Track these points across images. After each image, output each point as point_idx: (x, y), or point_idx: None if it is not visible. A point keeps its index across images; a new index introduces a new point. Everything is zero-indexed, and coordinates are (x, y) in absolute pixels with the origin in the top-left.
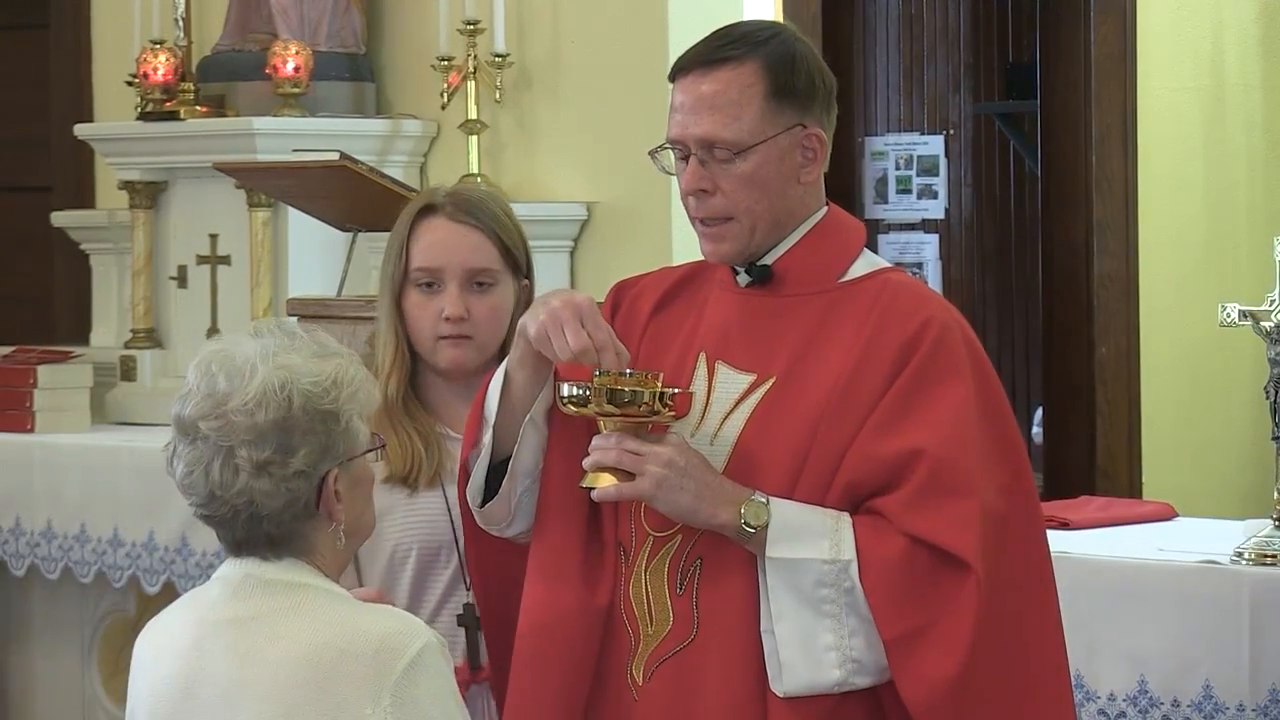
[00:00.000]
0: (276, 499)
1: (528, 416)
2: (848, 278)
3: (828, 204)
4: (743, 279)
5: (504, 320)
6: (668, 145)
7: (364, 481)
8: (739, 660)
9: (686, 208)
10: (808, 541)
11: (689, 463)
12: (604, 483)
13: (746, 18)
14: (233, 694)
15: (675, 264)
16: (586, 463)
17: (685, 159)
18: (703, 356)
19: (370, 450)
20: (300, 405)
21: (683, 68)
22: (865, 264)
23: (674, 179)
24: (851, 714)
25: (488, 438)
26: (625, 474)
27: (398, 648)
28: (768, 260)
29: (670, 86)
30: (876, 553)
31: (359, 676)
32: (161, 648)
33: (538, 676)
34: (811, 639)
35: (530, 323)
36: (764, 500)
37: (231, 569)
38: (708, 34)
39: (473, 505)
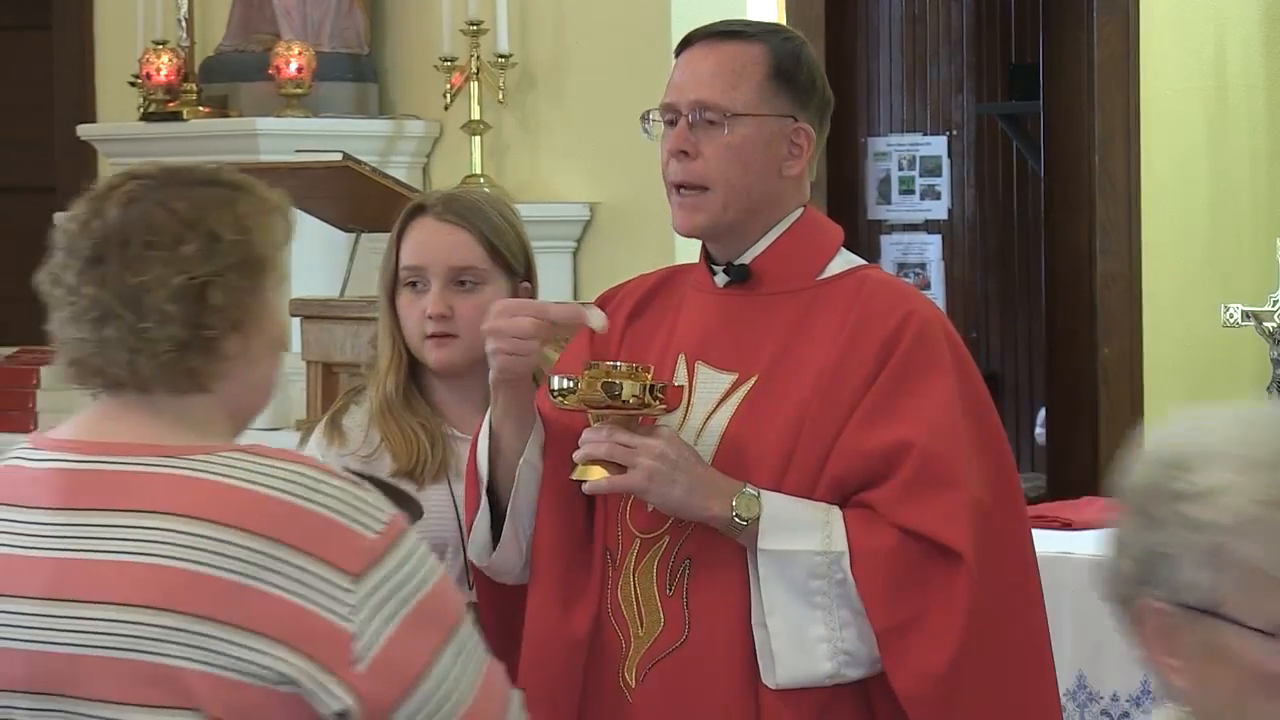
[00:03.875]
0: None
1: (522, 460)
2: (825, 275)
3: (804, 205)
4: (720, 279)
5: None
6: (660, 113)
7: None
8: (732, 658)
9: (665, 175)
10: (799, 534)
11: (680, 455)
12: (595, 475)
13: (751, 18)
14: None
15: (650, 271)
16: (577, 455)
17: (673, 124)
18: (682, 358)
19: None
20: None
21: (690, 41)
22: (842, 262)
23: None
24: (843, 707)
25: (483, 501)
26: (616, 467)
27: None
28: (745, 259)
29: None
30: (868, 545)
31: None
32: None
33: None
34: (803, 631)
35: (490, 366)
36: (755, 493)
37: None
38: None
39: (479, 562)
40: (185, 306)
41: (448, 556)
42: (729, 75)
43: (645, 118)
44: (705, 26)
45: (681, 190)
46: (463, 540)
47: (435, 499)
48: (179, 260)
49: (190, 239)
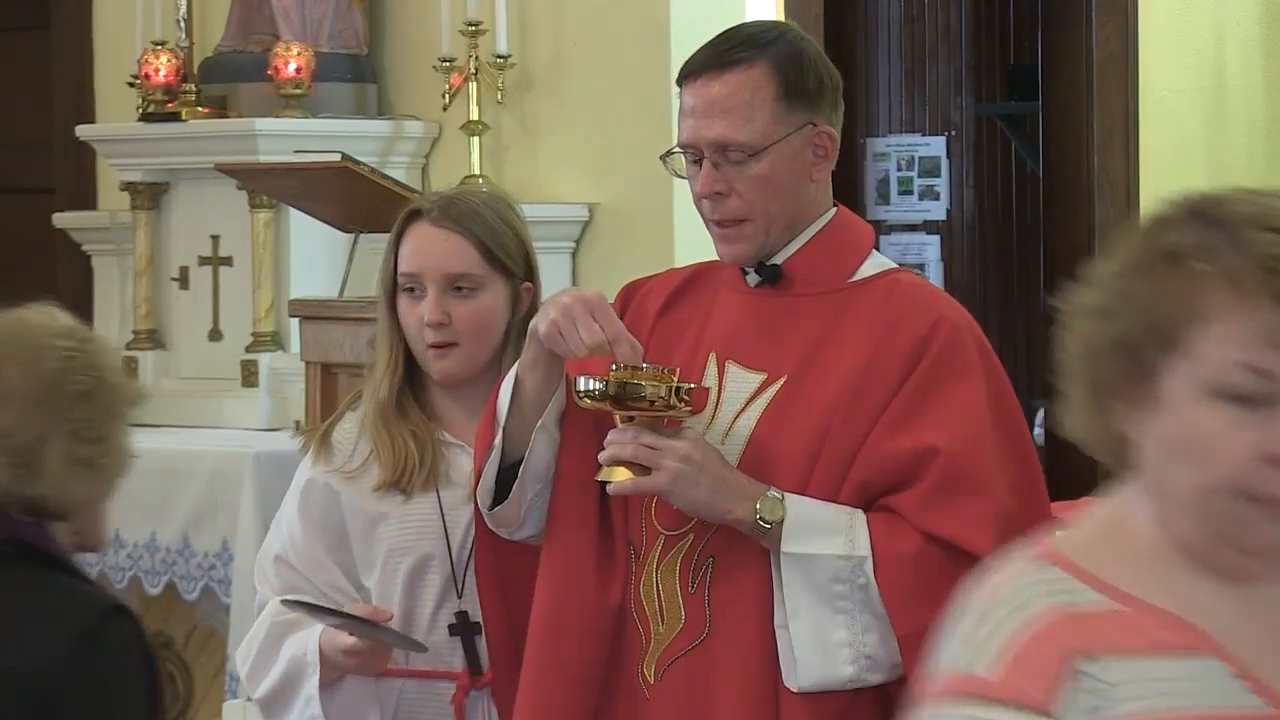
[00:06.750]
0: None
1: (539, 422)
2: (857, 277)
3: (836, 205)
4: (752, 279)
5: (492, 325)
6: (679, 150)
7: None
8: (752, 658)
9: (701, 210)
10: (823, 537)
11: (705, 458)
12: (619, 477)
13: (749, 19)
14: None
15: (681, 265)
16: (602, 456)
17: (698, 162)
18: (713, 356)
19: None
20: None
21: (691, 72)
22: (874, 264)
23: (676, 181)
24: (863, 711)
25: (498, 440)
26: (641, 468)
27: None
28: (777, 260)
29: (676, 91)
30: (892, 549)
31: None
32: None
33: (552, 675)
34: (825, 635)
35: (541, 322)
36: (779, 496)
37: None
38: (713, 37)
39: (483, 508)
40: None
41: (433, 568)
42: (741, 109)
43: (665, 158)
44: (702, 53)
45: (720, 224)
46: (449, 552)
47: (421, 510)
48: None
49: None
